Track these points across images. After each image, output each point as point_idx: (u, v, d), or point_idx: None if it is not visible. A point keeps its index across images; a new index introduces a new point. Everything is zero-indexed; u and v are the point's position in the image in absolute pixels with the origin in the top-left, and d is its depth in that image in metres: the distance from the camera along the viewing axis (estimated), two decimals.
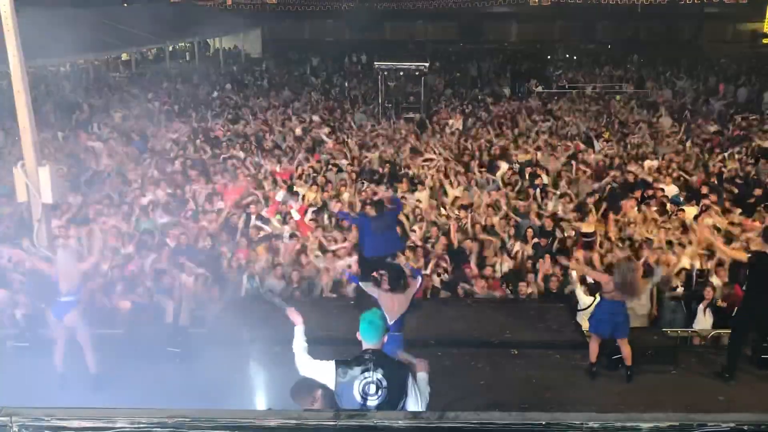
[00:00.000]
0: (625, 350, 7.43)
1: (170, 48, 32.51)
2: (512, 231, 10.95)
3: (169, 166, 14.55)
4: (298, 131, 18.20)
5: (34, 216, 9.83)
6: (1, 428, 1.29)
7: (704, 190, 12.62)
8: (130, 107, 21.11)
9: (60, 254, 7.36)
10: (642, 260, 9.03)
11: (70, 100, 22.10)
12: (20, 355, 8.02)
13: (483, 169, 14.27)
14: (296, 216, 11.48)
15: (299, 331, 4.54)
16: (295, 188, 13.03)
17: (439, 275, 9.80)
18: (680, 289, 9.21)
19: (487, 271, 9.78)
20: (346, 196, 12.45)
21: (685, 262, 9.54)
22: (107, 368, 7.35)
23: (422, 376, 4.43)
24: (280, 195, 12.17)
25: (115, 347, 7.75)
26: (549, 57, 35.54)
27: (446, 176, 13.51)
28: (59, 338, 7.36)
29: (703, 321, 8.83)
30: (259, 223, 11.32)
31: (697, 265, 9.47)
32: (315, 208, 12.03)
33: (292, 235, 10.65)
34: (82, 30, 22.89)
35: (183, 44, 34.80)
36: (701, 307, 8.85)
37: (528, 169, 14.28)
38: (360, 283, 7.42)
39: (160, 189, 12.79)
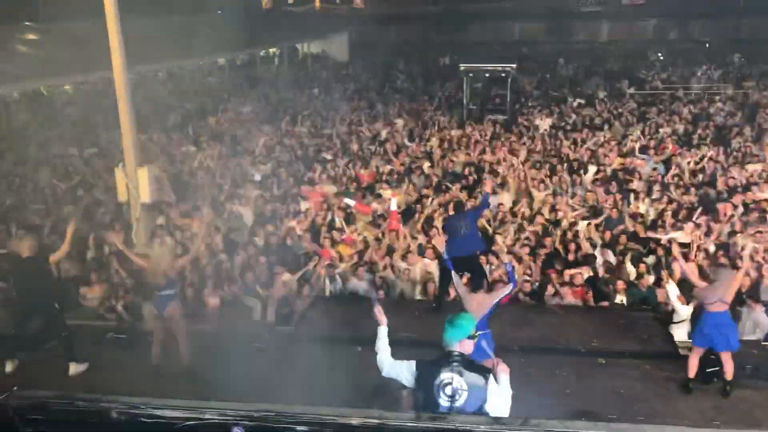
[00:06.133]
0: (728, 364, 7.04)
1: (261, 53, 33.48)
2: (604, 236, 10.61)
3: (260, 168, 14.99)
4: (384, 134, 18.34)
5: (133, 215, 10.37)
6: (101, 414, 1.37)
7: None
8: (222, 111, 21.90)
9: (157, 250, 7.73)
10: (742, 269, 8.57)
11: (167, 105, 23.14)
12: (119, 346, 8.44)
13: (571, 173, 13.94)
14: (394, 205, 11.42)
15: (383, 331, 4.56)
16: (378, 191, 13.14)
17: (526, 281, 9.63)
18: None
19: (577, 278, 9.52)
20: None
21: None
22: (197, 361, 7.63)
23: (503, 378, 4.37)
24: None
25: (204, 342, 8.04)
26: (642, 57, 34.26)
27: (531, 179, 13.28)
28: (157, 331, 7.70)
29: None
30: (342, 224, 11.49)
31: None
32: (399, 211, 12.08)
33: (377, 239, 10.74)
34: (179, 37, 23.90)
35: (273, 50, 35.76)
36: None
37: (620, 174, 13.84)
38: (452, 272, 7.35)
39: (250, 190, 13.20)
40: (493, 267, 9.60)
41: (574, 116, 20.54)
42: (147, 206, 10.35)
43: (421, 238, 10.76)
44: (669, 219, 11.08)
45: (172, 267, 7.67)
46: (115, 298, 9.42)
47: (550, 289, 9.44)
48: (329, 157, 15.97)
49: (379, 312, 4.64)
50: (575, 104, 22.69)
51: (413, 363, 4.30)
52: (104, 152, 16.36)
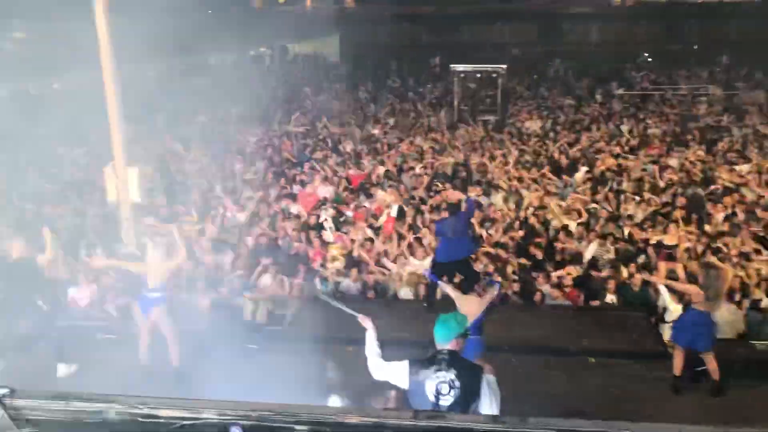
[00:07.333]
0: (711, 364, 7.12)
1: (252, 53, 33.41)
2: (591, 236, 10.67)
3: (250, 168, 14.95)
4: (376, 133, 18.36)
5: (123, 215, 10.31)
6: (99, 414, 1.37)
7: None
8: (212, 111, 21.83)
9: (150, 251, 7.69)
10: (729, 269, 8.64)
11: (157, 104, 23.02)
12: (109, 346, 8.40)
13: (561, 174, 14.00)
14: (394, 212, 11.38)
15: (371, 336, 4.58)
16: (370, 192, 13.15)
17: (515, 281, 9.66)
18: (765, 301, 8.77)
19: (566, 280, 9.56)
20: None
21: None
22: (188, 362, 7.60)
23: (491, 378, 4.40)
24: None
25: (195, 342, 8.01)
26: (631, 58, 34.43)
27: (522, 180, 13.33)
28: (143, 331, 7.67)
29: None
30: (332, 225, 11.49)
31: None
32: (390, 211, 12.09)
33: (367, 239, 10.74)
34: (168, 36, 23.79)
35: (263, 49, 35.67)
36: None
37: (609, 174, 13.92)
38: (438, 282, 7.40)
39: (241, 191, 13.17)
40: (485, 269, 9.63)
41: (564, 117, 20.63)
42: (136, 206, 10.30)
43: (411, 239, 10.76)
44: (658, 219, 11.16)
45: (164, 268, 7.64)
46: (104, 298, 9.39)
47: (538, 292, 9.48)
48: (320, 157, 15.95)
49: (362, 319, 4.68)
50: (565, 105, 22.80)
51: (406, 363, 4.32)
52: (93, 152, 16.26)
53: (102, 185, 10.80)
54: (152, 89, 26.25)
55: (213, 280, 9.67)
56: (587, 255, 10.25)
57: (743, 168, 14.01)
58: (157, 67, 28.33)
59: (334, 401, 6.47)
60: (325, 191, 13.11)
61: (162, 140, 17.88)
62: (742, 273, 8.94)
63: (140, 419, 1.36)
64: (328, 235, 11.12)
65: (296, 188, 13.44)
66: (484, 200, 12.43)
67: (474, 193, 12.65)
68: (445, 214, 9.98)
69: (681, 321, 7.30)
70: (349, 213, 12.08)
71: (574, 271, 9.82)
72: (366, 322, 4.66)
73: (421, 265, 9.93)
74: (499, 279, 8.86)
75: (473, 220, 10.39)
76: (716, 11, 39.64)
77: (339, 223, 11.63)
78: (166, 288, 7.73)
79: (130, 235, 10.19)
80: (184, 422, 1.38)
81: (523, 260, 10.17)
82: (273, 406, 1.37)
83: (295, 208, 12.30)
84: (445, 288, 7.16)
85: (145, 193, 10.21)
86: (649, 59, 34.70)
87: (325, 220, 11.65)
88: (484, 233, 10.88)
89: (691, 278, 7.61)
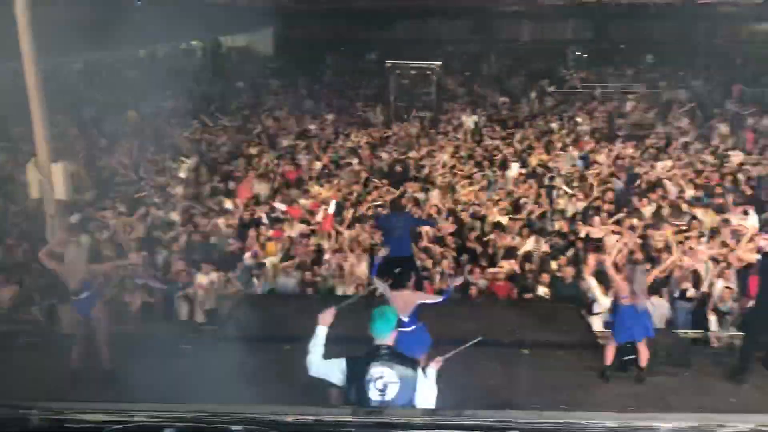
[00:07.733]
0: (643, 352, 7.38)
1: (182, 46, 32.62)
2: (524, 231, 10.91)
3: (182, 164, 14.60)
4: (312, 129, 18.24)
5: (48, 212, 9.89)
6: (22, 421, 1.31)
7: (718, 190, 12.55)
8: (142, 105, 21.20)
9: (71, 251, 7.39)
10: (659, 264, 8.98)
11: (84, 98, 22.21)
12: (33, 350, 8.07)
13: (494, 170, 14.25)
14: (332, 208, 11.28)
15: (322, 332, 4.51)
16: (306, 187, 13.06)
17: (451, 275, 9.78)
18: (691, 291, 9.16)
19: (499, 274, 9.75)
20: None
21: (699, 265, 9.49)
22: (119, 364, 7.38)
23: (431, 372, 4.43)
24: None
25: (127, 344, 7.78)
26: (562, 56, 35.34)
27: (456, 176, 13.51)
28: (80, 335, 7.38)
29: (714, 323, 8.80)
30: (268, 222, 11.36)
31: (710, 266, 9.42)
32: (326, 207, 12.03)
33: (304, 235, 10.67)
34: (95, 27, 22.96)
35: (195, 42, 34.88)
36: (710, 309, 8.82)
37: (540, 170, 14.24)
38: (374, 276, 7.41)
39: (173, 187, 12.85)
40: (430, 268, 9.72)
41: (497, 114, 21.00)
42: (62, 204, 9.90)
43: (348, 234, 10.75)
44: (593, 213, 11.50)
45: (88, 270, 7.36)
46: (27, 300, 9.00)
47: (472, 286, 9.64)
48: (255, 152, 15.73)
49: (326, 313, 4.58)
50: (499, 102, 23.20)
51: (343, 360, 4.29)
52: (15, 147, 15.55)
53: (24, 182, 10.35)
54: (79, 82, 25.36)
55: (146, 279, 9.40)
56: (523, 250, 10.47)
57: (667, 164, 14.59)
58: (84, 59, 27.33)
59: (269, 400, 6.39)
60: (261, 187, 12.93)
61: (90, 135, 17.24)
62: (668, 263, 9.26)
63: (67, 425, 1.30)
64: (264, 231, 10.98)
65: (231, 184, 13.21)
66: (420, 197, 12.51)
67: (411, 190, 12.73)
68: (383, 211, 10.02)
69: (618, 320, 7.45)
70: (285, 208, 11.97)
71: (507, 265, 10.02)
72: (326, 316, 4.58)
73: (359, 261, 9.93)
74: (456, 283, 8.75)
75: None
76: (642, 12, 41.01)
77: (275, 220, 11.50)
78: (95, 286, 7.45)
79: (55, 234, 9.79)
80: (115, 427, 1.33)
81: (459, 255, 10.30)
82: (208, 407, 1.34)
83: (229, 205, 12.09)
84: (377, 283, 7.16)
85: (71, 190, 9.81)
86: (583, 55, 35.70)
87: (261, 216, 11.50)
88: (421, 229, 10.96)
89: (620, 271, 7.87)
